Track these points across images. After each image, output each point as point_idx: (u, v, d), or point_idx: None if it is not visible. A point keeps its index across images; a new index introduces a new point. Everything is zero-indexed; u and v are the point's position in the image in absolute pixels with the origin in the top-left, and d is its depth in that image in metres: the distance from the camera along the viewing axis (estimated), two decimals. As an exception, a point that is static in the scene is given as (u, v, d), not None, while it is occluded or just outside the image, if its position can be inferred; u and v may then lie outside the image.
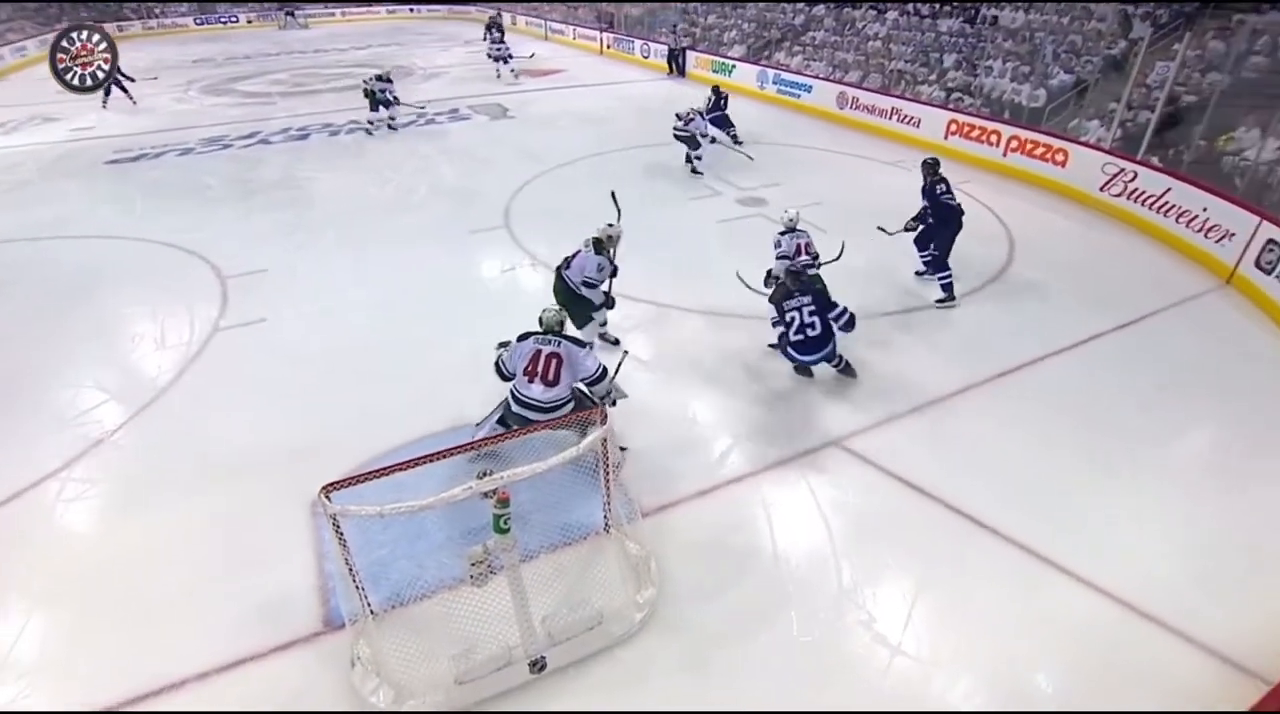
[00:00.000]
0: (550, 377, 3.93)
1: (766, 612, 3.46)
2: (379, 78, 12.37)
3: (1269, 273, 6.38)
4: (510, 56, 17.28)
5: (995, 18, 13.24)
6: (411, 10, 37.52)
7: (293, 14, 33.54)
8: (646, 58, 19.47)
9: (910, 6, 14.95)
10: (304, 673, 3.20)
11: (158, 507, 4.11)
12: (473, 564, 2.96)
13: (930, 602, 3.53)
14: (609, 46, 21.69)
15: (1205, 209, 7.30)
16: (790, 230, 6.02)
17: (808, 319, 4.83)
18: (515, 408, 4.00)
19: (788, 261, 5.68)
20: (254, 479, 4.26)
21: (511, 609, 3.07)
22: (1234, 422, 4.88)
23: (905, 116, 11.86)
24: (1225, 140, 8.52)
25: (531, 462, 2.97)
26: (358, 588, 3.16)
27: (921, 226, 6.47)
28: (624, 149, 11.29)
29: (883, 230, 6.64)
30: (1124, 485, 4.25)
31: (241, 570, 3.68)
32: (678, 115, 10.10)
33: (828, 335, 4.88)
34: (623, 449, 4.29)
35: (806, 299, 4.85)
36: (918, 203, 6.72)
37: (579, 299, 5.07)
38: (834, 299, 4.96)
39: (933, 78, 12.96)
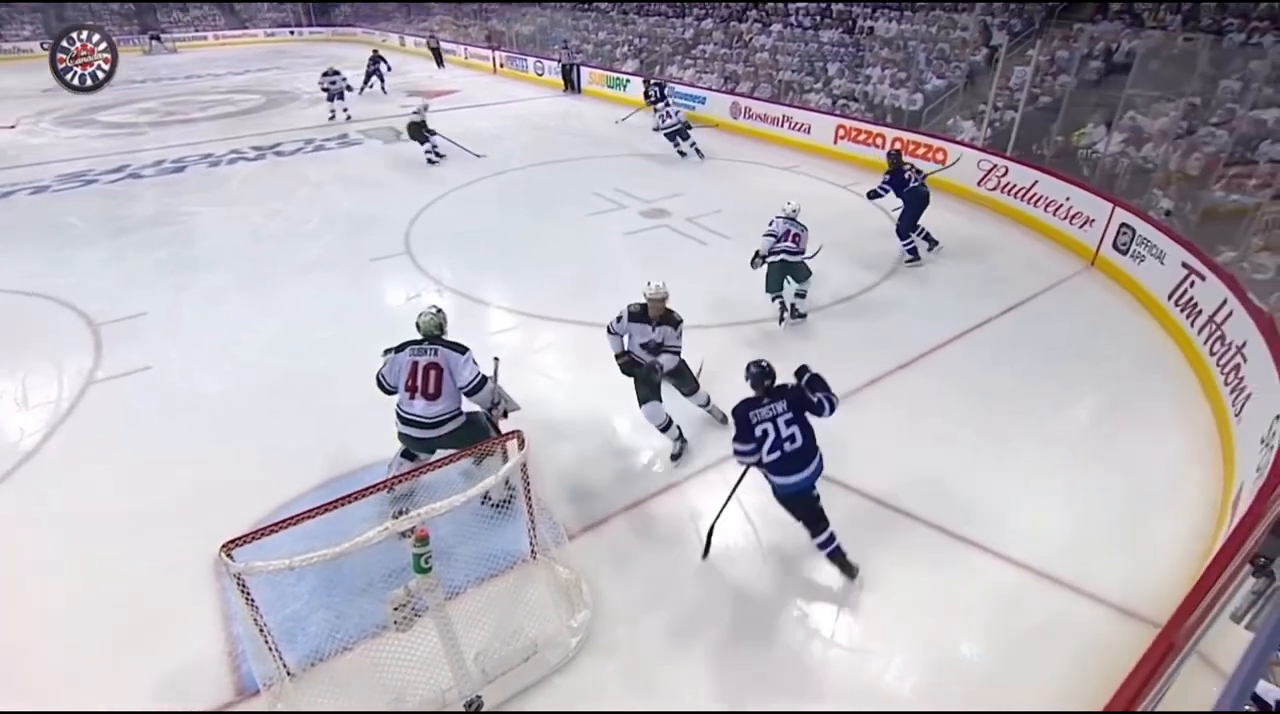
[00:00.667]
0: (431, 389, 3.73)
1: (702, 621, 3.50)
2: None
3: (1124, 253, 7.09)
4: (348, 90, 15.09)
5: (871, 28, 14.13)
6: (292, 33, 36.16)
7: (158, 38, 31.47)
8: (541, 75, 19.53)
9: (793, 19, 15.72)
10: (216, 749, 2.96)
11: (35, 578, 3.71)
12: (395, 608, 2.84)
13: (858, 592, 3.66)
14: (502, 65, 21.62)
15: (1068, 199, 8.02)
16: (790, 218, 6.25)
17: (785, 431, 3.54)
18: (401, 427, 3.82)
19: (774, 240, 6.06)
20: (145, 542, 3.93)
21: (441, 651, 2.96)
22: (1103, 389, 5.36)
23: (796, 123, 12.44)
24: (1078, 136, 9.44)
25: (449, 495, 2.89)
26: (270, 649, 2.96)
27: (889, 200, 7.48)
28: (524, 167, 11.26)
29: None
30: (1017, 458, 4.58)
31: (137, 646, 3.38)
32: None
33: (811, 446, 3.60)
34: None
35: (780, 406, 3.57)
36: (815, 205, 7.03)
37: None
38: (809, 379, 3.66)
39: (819, 86, 13.65)
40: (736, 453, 3.58)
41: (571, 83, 18.27)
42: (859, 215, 9.14)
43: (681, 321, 4.33)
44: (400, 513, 2.85)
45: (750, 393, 3.60)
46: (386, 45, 30.01)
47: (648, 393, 4.41)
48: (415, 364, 3.76)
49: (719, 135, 13.10)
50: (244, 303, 6.72)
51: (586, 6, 21.96)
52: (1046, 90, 10.67)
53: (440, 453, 3.83)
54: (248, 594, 2.77)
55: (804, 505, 3.62)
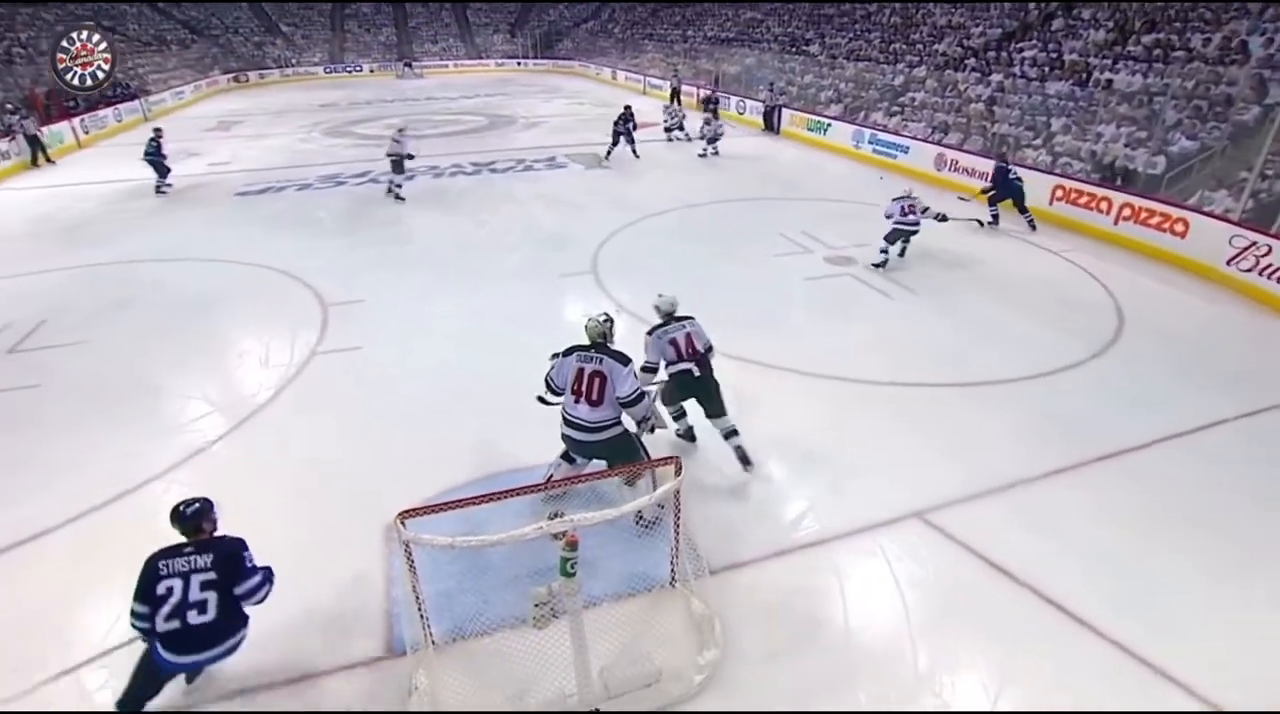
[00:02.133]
0: (594, 396, 3.88)
1: (833, 686, 3.29)
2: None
3: None
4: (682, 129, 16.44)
5: (1110, 81, 12.78)
6: (518, 64, 40.28)
7: (410, 65, 36.80)
8: (742, 113, 19.93)
9: (1017, 69, 14.68)
10: (362, 697, 3.27)
11: (246, 514, 4.30)
12: (536, 605, 2.98)
13: (1013, 695, 3.26)
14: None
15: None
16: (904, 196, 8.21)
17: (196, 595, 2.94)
18: (564, 429, 4.00)
19: (894, 218, 8.25)
20: (335, 498, 4.47)
21: (570, 655, 3.05)
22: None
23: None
24: None
25: (600, 507, 2.99)
26: (422, 616, 3.23)
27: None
28: (714, 202, 11.50)
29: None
30: (1231, 594, 3.83)
31: (313, 585, 3.83)
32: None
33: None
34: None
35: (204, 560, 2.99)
36: (1011, 269, 6.46)
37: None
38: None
39: (1038, 142, 12.59)
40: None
41: (771, 124, 18.46)
42: (1069, 285, 8.27)
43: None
44: (556, 515, 3.00)
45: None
46: (599, 78, 32.35)
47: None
48: (581, 371, 3.96)
49: (922, 188, 12.48)
50: (445, 301, 7.51)
51: (795, 51, 22.15)
52: None
53: (595, 464, 3.99)
54: (412, 562, 3.05)
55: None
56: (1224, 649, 3.49)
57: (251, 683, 3.33)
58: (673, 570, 3.66)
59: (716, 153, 14.80)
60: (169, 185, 12.22)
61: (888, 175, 12.97)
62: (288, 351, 6.39)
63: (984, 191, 10.05)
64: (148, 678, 2.98)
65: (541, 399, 4.17)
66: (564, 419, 4.02)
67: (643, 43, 32.25)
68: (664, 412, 4.19)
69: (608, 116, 20.53)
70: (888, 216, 8.42)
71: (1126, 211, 9.63)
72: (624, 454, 3.98)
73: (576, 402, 3.94)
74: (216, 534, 3.12)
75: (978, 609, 3.72)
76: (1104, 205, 9.96)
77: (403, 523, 2.98)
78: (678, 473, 3.31)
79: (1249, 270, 7.88)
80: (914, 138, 14.27)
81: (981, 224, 10.18)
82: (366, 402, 5.59)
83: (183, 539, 3.04)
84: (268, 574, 3.12)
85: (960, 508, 4.40)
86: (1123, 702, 3.23)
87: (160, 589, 2.89)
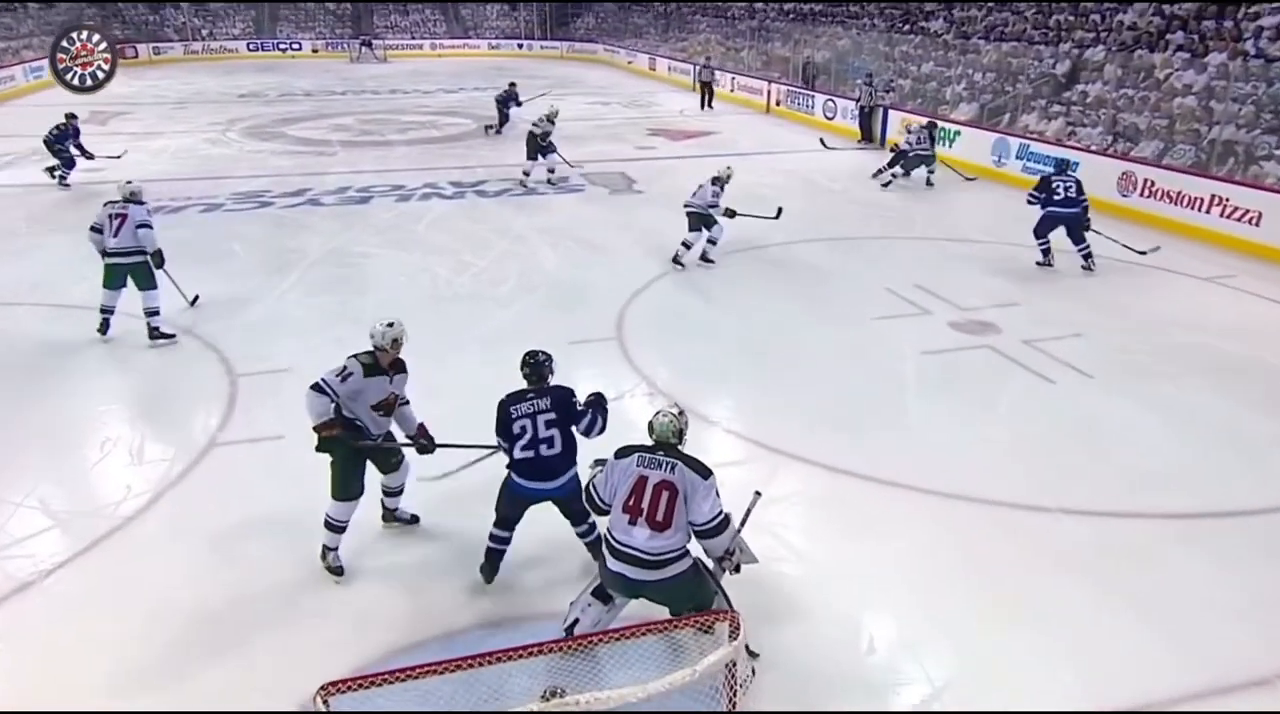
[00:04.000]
0: (660, 516, 3.89)
1: None
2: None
3: None
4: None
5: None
6: (520, 46, 42.39)
7: (369, 44, 38.89)
8: (831, 118, 20.56)
9: (1250, 44, 14.56)
10: None
11: (84, 684, 4.35)
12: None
13: None
14: (779, 102, 23.13)
15: None
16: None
17: (544, 432, 4.68)
18: (611, 564, 3.99)
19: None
20: (230, 657, 4.44)
21: None
22: None
23: (1235, 209, 11.52)
24: None
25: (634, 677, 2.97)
26: None
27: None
28: (791, 242, 11.73)
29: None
30: None
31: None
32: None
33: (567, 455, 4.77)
34: (754, 655, 4.15)
35: (545, 403, 4.74)
36: (1244, 345, 6.33)
37: None
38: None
39: (1284, 151, 12.54)
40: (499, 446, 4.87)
41: (870, 131, 18.95)
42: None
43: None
44: (553, 693, 2.97)
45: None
46: (632, 68, 33.76)
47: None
48: (644, 480, 3.97)
49: (1100, 220, 12.57)
50: (410, 372, 7.63)
51: (908, 28, 22.88)
52: None
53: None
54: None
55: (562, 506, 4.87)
56: None
57: None
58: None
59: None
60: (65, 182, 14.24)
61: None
62: (174, 441, 6.56)
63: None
64: (509, 503, 4.87)
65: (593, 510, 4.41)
66: (610, 548, 4.02)
67: (694, 19, 33.76)
68: (748, 545, 4.21)
69: (639, 122, 21.51)
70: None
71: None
72: (694, 597, 4.00)
73: (632, 523, 3.95)
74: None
75: None
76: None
77: (325, 700, 2.98)
78: (733, 636, 3.28)
79: None
80: (1087, 149, 14.48)
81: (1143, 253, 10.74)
82: (287, 514, 5.62)
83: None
84: (597, 409, 4.80)
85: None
86: None
87: (516, 427, 4.69)
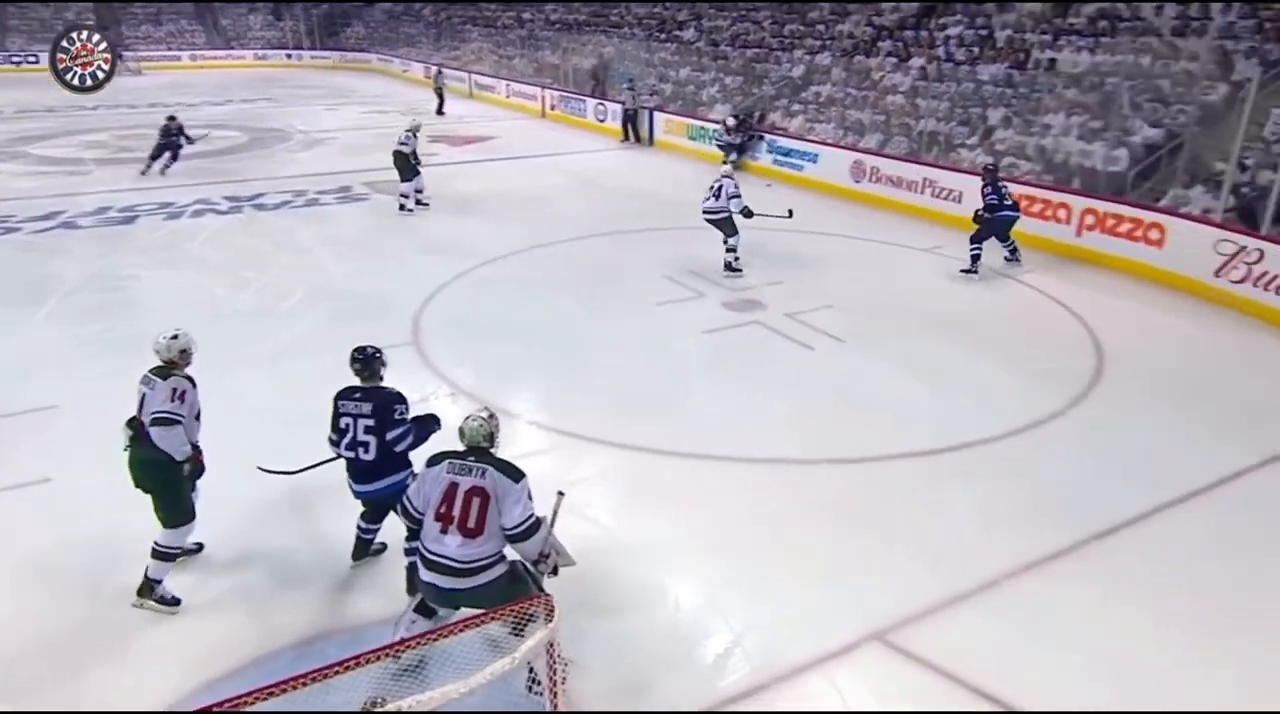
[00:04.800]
0: (471, 523, 3.74)
1: None
2: None
3: None
4: None
5: (1053, 61, 14.46)
6: (289, 56, 40.00)
7: (120, 56, 35.19)
8: (602, 121, 20.88)
9: (941, 50, 16.35)
10: None
11: None
12: None
13: None
14: (553, 107, 23.23)
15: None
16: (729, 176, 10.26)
17: (360, 436, 4.57)
18: (424, 574, 3.82)
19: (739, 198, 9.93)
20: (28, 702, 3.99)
21: None
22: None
23: (942, 189, 12.76)
24: None
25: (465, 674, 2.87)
26: None
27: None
28: (574, 239, 11.81)
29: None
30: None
31: None
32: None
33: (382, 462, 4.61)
34: (567, 663, 4.08)
35: (366, 407, 4.60)
36: (961, 302, 7.03)
37: None
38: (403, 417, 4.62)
39: (974, 139, 14.01)
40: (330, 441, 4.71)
41: (635, 132, 19.40)
42: (1033, 315, 9.12)
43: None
44: (374, 705, 2.84)
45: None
46: (407, 76, 32.85)
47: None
48: (455, 486, 3.81)
49: (837, 204, 13.50)
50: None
51: (664, 36, 23.62)
52: None
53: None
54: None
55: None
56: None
57: None
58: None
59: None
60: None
61: (776, 184, 13.80)
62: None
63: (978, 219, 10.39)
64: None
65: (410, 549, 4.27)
66: (421, 558, 3.84)
67: (464, 29, 33.25)
68: (564, 546, 4.10)
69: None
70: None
71: (1090, 219, 10.87)
72: (512, 601, 3.76)
73: (444, 531, 3.77)
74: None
75: (970, 757, 3.84)
76: (1063, 213, 11.18)
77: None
78: (549, 618, 3.25)
79: (1240, 281, 9.03)
80: (823, 142, 15.47)
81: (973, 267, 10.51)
82: (59, 563, 5.07)
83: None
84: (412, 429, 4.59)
85: (932, 622, 4.57)
86: None
87: (341, 423, 4.60)
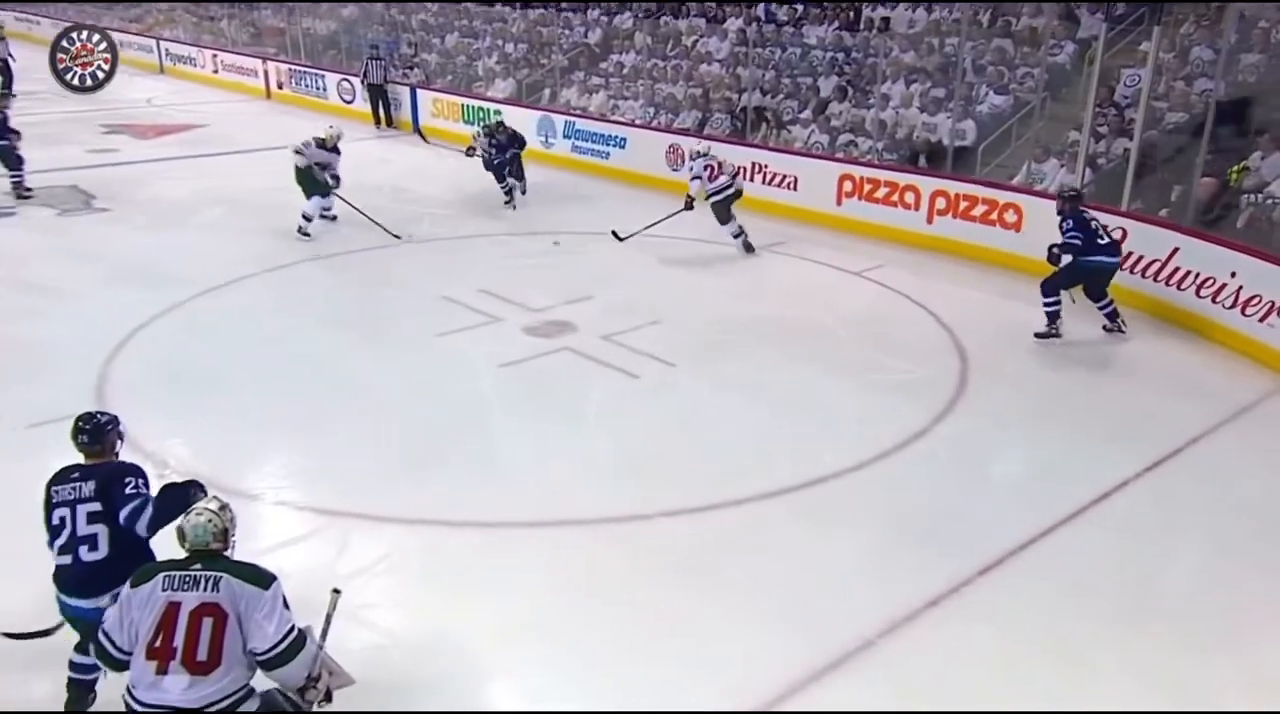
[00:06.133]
0: (202, 654, 3.49)
1: None
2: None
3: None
4: None
5: (886, 21, 15.38)
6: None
7: None
8: (350, 103, 20.42)
9: (761, 10, 17.00)
10: None
11: None
12: None
13: None
14: (281, 85, 22.51)
15: (1234, 274, 8.72)
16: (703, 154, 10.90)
17: (84, 529, 4.27)
18: None
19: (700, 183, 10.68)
20: None
21: None
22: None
23: (775, 176, 13.37)
24: (1238, 173, 10.10)
25: None
26: None
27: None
28: (322, 256, 11.51)
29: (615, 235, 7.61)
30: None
31: None
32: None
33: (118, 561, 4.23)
34: None
35: (89, 488, 4.34)
36: (806, 309, 7.31)
37: None
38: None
39: (808, 114, 14.72)
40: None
41: (386, 115, 19.33)
42: (887, 317, 9.75)
43: None
44: None
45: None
46: (33, 38, 29.68)
47: None
48: (175, 608, 3.54)
49: (651, 200, 13.82)
50: None
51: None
52: (1178, 104, 11.53)
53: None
54: None
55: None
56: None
57: None
58: None
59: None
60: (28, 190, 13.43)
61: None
62: None
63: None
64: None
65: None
66: (128, 709, 3.52)
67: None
68: (337, 662, 3.92)
69: (88, 116, 19.75)
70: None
71: (941, 202, 11.67)
72: None
73: (162, 672, 3.48)
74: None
75: None
76: (911, 197, 11.97)
77: None
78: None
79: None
80: (631, 124, 15.83)
81: None
82: None
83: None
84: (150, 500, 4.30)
85: (804, 696, 4.75)
86: None
87: (54, 518, 4.30)
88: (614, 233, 9.95)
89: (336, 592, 3.88)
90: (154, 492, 4.40)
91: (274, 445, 7.37)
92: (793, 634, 5.17)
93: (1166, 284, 9.43)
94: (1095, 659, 5.06)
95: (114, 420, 4.70)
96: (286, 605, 3.66)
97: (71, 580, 4.30)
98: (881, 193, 12.23)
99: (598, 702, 4.76)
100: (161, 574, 3.63)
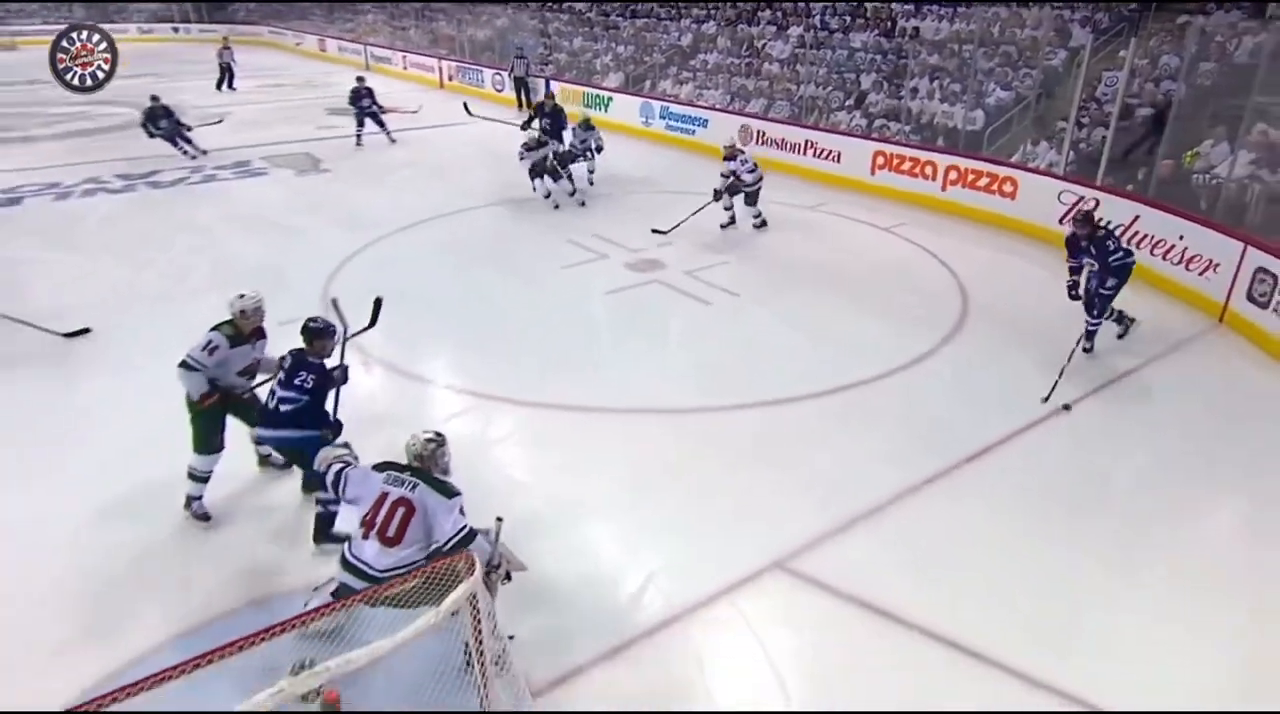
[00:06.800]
0: (391, 533, 3.67)
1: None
2: None
3: (1264, 306, 7.24)
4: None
5: (916, 29, 14.90)
6: (176, 30, 37.45)
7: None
8: (500, 91, 20.36)
9: (816, 20, 16.58)
10: None
11: None
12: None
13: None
14: (451, 78, 22.53)
15: (1182, 237, 8.35)
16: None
17: (284, 392, 4.75)
18: (341, 574, 3.73)
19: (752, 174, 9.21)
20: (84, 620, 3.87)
21: None
22: (1241, 491, 5.43)
23: (822, 150, 12.98)
24: (1190, 157, 9.69)
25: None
26: None
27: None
28: (480, 206, 11.58)
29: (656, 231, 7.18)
30: (1130, 586, 4.57)
31: None
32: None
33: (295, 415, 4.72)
34: (510, 638, 4.05)
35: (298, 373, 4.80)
36: (843, 256, 7.23)
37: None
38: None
39: (851, 103, 14.30)
40: None
41: (528, 100, 19.07)
42: (907, 265, 9.44)
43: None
44: (301, 666, 2.80)
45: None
46: (301, 50, 31.31)
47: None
48: (384, 496, 3.72)
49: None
50: (93, 387, 6.68)
51: (557, 5, 23.13)
52: (1147, 100, 11.07)
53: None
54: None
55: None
56: (1139, 664, 4.13)
57: None
58: (482, 704, 3.56)
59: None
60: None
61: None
62: None
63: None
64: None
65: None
66: (343, 561, 3.72)
67: (359, 1, 31.74)
68: (513, 552, 4.01)
69: (318, 103, 20.01)
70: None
71: (953, 175, 11.26)
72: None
73: (365, 537, 3.66)
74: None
75: (864, 665, 4.05)
76: (929, 170, 11.56)
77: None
78: (469, 571, 3.25)
79: (1080, 228, 9.51)
80: (712, 108, 15.50)
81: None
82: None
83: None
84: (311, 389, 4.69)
85: (826, 548, 4.78)
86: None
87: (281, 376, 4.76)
88: (655, 229, 8.72)
89: (499, 519, 3.93)
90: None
91: (442, 345, 7.54)
92: (819, 502, 5.20)
93: (1130, 244, 8.92)
94: (1051, 532, 5.00)
95: (330, 327, 4.93)
96: (463, 513, 3.78)
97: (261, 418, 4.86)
98: (906, 166, 11.84)
99: (668, 546, 4.87)
100: (388, 471, 3.84)
